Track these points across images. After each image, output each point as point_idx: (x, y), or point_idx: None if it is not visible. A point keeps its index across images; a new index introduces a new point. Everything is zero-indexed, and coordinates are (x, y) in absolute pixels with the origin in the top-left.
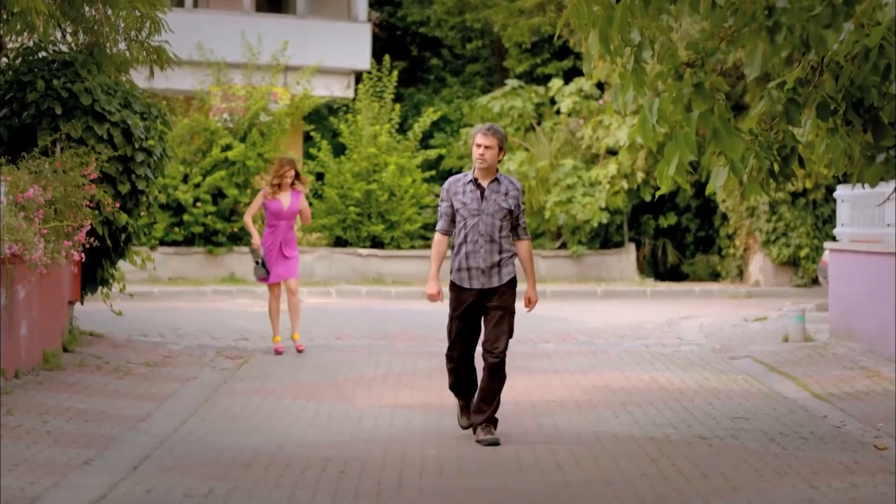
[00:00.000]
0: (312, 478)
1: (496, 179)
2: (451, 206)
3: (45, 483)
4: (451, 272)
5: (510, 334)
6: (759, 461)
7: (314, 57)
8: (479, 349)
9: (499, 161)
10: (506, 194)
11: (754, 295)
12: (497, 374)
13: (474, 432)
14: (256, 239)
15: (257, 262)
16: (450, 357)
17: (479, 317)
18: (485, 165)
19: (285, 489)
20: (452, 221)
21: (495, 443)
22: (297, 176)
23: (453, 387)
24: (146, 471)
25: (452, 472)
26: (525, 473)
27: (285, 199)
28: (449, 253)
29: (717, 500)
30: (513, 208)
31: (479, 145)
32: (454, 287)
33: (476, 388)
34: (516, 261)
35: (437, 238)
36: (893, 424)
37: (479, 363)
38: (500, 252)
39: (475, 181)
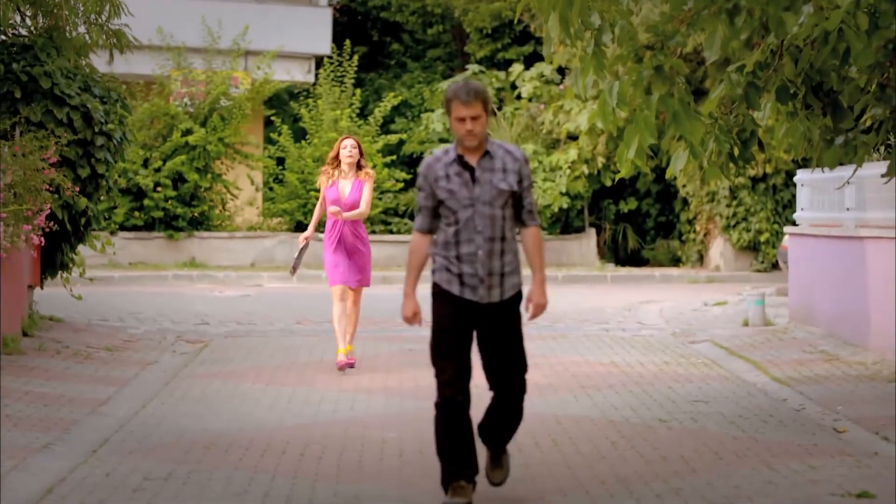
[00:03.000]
0: (273, 460)
1: (487, 153)
2: (433, 195)
3: (5, 467)
4: (433, 271)
5: (523, 366)
6: (719, 444)
7: (275, 41)
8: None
9: None
10: (503, 170)
11: (714, 279)
12: (510, 406)
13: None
14: (306, 232)
15: (299, 252)
16: (440, 392)
17: (472, 329)
18: (475, 143)
19: (245, 472)
20: (435, 216)
21: (503, 479)
22: (362, 154)
23: (442, 450)
24: (106, 454)
25: (413, 454)
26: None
27: (345, 186)
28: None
29: (676, 483)
30: (515, 188)
31: (461, 119)
32: (438, 291)
33: (472, 463)
34: (519, 260)
35: (416, 240)
36: (854, 408)
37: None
38: (504, 254)
39: (460, 159)
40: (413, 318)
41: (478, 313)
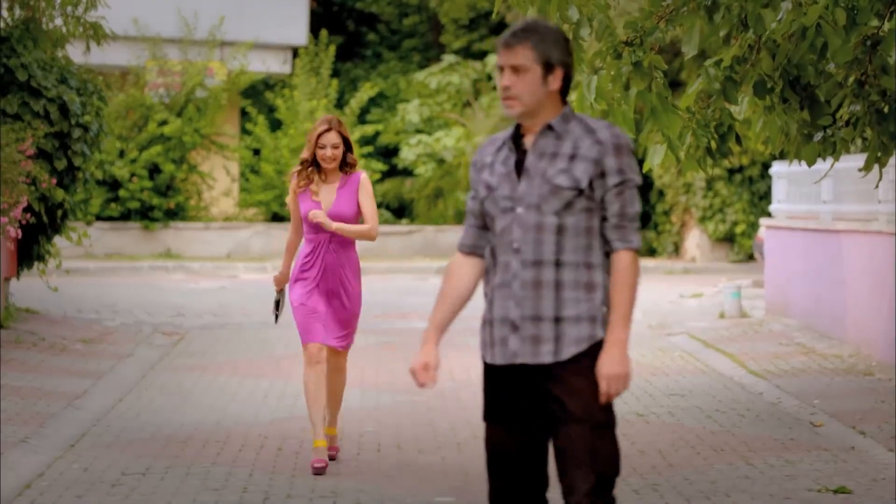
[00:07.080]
0: (250, 455)
1: (549, 129)
2: (478, 193)
3: None
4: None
5: (606, 470)
6: (696, 438)
7: (251, 32)
8: None
9: (559, 88)
10: (571, 157)
11: (690, 271)
12: None
13: None
14: (281, 273)
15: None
16: None
17: (534, 409)
18: (514, 110)
19: (223, 466)
20: (485, 227)
21: None
22: (349, 148)
23: None
24: (83, 448)
25: (390, 448)
26: (463, 450)
27: (327, 195)
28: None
29: (653, 478)
30: (581, 185)
31: (500, 68)
32: (483, 363)
33: None
34: (600, 302)
35: (453, 261)
36: (829, 401)
37: None
38: (560, 288)
39: (515, 138)
40: (421, 373)
41: (529, 382)
